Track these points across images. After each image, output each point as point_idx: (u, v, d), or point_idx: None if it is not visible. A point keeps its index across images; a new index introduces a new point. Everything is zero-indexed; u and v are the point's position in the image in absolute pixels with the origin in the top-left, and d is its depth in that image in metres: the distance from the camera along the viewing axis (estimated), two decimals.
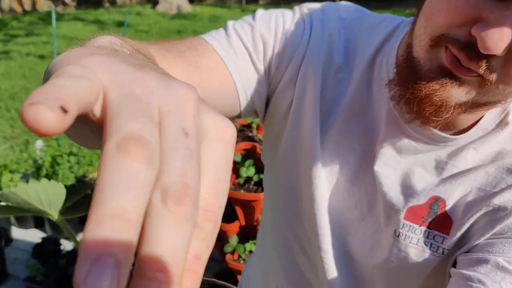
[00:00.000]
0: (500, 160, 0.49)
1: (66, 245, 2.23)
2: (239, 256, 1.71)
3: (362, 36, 0.57)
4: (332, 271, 0.60)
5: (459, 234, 0.50)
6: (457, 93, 0.42)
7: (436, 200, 0.51)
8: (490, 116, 0.50)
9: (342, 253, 0.60)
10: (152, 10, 10.33)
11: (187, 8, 10.66)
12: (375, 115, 0.54)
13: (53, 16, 2.34)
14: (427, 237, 0.52)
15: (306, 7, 0.60)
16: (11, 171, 2.26)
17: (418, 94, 0.43)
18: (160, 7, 10.36)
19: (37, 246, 2.14)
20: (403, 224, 0.52)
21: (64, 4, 10.58)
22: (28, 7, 9.77)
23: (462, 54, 0.39)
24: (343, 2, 0.61)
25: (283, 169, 0.62)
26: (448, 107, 0.43)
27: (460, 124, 0.50)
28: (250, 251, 1.70)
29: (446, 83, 0.41)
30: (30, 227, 2.41)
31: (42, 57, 5.91)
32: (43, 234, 2.34)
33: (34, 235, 2.35)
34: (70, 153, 2.27)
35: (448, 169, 0.51)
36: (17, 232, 2.37)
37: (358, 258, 0.58)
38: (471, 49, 0.38)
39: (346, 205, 0.58)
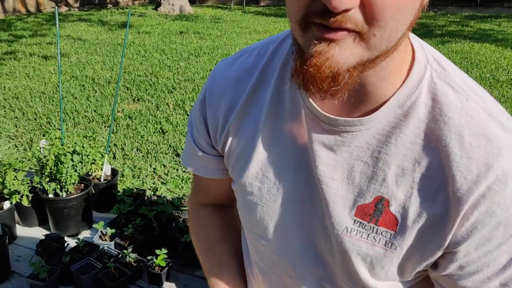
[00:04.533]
0: (431, 148, 0.50)
1: (70, 242, 2.25)
2: None
3: (273, 52, 0.61)
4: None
5: (406, 230, 0.53)
6: (342, 57, 0.42)
7: (380, 200, 0.53)
8: (404, 91, 0.50)
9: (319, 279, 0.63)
10: (154, 12, 10.37)
11: (189, 9, 10.69)
12: (296, 121, 0.57)
13: (56, 16, 2.36)
14: (376, 233, 0.54)
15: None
16: (15, 170, 2.29)
17: (308, 74, 0.44)
18: (162, 9, 10.39)
19: (40, 244, 2.16)
20: (354, 221, 0.55)
21: (68, 5, 10.63)
22: (32, 8, 9.82)
23: (324, 19, 0.41)
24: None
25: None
26: (342, 73, 0.43)
27: (372, 102, 0.51)
28: None
29: (324, 50, 0.42)
30: (34, 225, 2.44)
31: (46, 57, 5.95)
32: (46, 232, 2.37)
33: (38, 233, 2.37)
34: (74, 152, 2.29)
35: (383, 158, 0.52)
36: (21, 230, 2.40)
37: (330, 264, 0.60)
38: (330, 12, 0.40)
39: (307, 219, 0.59)
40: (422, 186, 0.51)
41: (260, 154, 0.60)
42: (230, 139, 0.63)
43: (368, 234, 0.55)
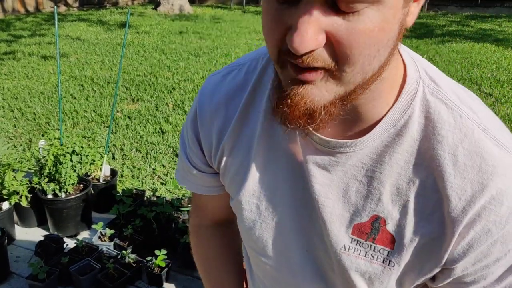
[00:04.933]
0: (425, 166, 0.50)
1: (69, 243, 2.25)
2: None
3: (263, 67, 0.60)
4: None
5: (404, 248, 0.53)
6: (317, 94, 0.43)
7: (377, 219, 0.53)
8: (396, 110, 0.50)
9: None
10: (153, 11, 10.36)
11: (188, 9, 10.68)
12: (291, 139, 0.56)
13: (55, 16, 2.36)
14: (373, 250, 0.54)
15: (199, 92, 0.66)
16: (14, 170, 2.28)
17: (284, 114, 0.44)
18: (162, 8, 10.38)
19: (39, 244, 2.16)
20: (352, 239, 0.55)
21: (67, 5, 10.62)
22: (31, 8, 9.81)
23: (294, 59, 0.41)
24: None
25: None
26: (317, 110, 0.43)
27: (365, 122, 0.51)
28: None
29: (298, 91, 0.43)
30: (33, 226, 2.44)
31: (45, 57, 5.94)
32: (46, 233, 2.36)
33: (37, 234, 2.37)
34: (73, 152, 2.28)
35: (377, 177, 0.52)
36: (20, 231, 2.39)
37: (331, 278, 0.60)
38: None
39: (306, 235, 0.59)
40: (418, 205, 0.51)
41: (255, 172, 0.59)
42: (225, 157, 0.62)
43: (366, 252, 0.55)
